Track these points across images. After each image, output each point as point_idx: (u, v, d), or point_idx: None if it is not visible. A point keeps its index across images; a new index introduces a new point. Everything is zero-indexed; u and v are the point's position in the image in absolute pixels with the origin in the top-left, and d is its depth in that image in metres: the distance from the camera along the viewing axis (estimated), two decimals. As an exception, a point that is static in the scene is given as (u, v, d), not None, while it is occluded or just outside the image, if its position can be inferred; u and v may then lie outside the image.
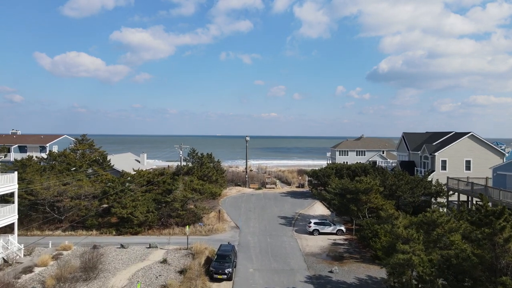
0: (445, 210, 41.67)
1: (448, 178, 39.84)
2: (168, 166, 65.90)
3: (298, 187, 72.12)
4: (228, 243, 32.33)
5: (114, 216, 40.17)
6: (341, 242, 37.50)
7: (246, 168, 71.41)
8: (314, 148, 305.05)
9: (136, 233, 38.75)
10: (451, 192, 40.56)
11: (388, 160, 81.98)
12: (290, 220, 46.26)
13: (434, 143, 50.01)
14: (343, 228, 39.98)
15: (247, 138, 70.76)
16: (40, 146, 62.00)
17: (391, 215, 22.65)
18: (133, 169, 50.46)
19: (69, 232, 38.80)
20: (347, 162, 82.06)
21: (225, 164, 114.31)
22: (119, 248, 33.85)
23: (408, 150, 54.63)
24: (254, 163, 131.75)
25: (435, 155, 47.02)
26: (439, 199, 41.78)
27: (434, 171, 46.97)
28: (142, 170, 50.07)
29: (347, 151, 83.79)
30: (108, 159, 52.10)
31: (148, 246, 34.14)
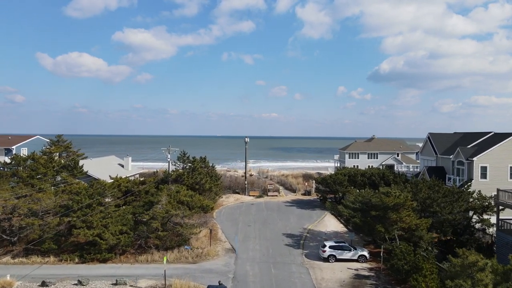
0: (493, 231, 33.52)
1: (498, 190, 31.66)
2: (157, 170, 57.81)
3: (304, 194, 64.00)
4: (220, 283, 24.18)
5: (79, 237, 32.11)
6: (366, 273, 29.30)
7: (245, 173, 63.30)
8: (317, 148, 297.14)
9: (104, 260, 30.61)
10: (501, 208, 32.32)
11: (404, 163, 73.74)
12: (297, 239, 38.11)
13: (469, 146, 41.84)
14: (366, 253, 31.80)
15: (246, 139, 62.63)
16: (6, 149, 53.78)
17: (472, 264, 14.56)
18: (110, 176, 42.34)
19: (20, 259, 30.67)
20: (357, 166, 74.07)
21: (223, 168, 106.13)
22: (75, 285, 25.70)
23: (436, 153, 46.41)
24: (254, 165, 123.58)
25: (473, 161, 38.86)
26: (484, 216, 33.65)
27: (472, 179, 38.79)
28: (120, 178, 41.96)
29: (358, 153, 75.59)
30: (81, 164, 43.92)
31: (115, 283, 25.97)
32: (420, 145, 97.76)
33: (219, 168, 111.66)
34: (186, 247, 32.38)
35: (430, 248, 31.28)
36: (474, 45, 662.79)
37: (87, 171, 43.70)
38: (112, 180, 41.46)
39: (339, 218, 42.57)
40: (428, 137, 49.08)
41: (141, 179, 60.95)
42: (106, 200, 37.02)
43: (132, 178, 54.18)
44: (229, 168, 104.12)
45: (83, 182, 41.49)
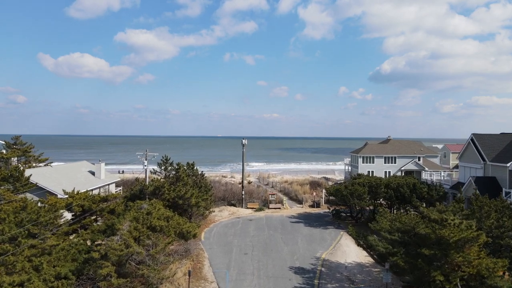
0: None
1: None
2: (137, 179, 48.15)
3: (312, 206, 54.22)
4: None
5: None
6: None
7: (242, 182, 53.53)
8: (319, 149, 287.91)
9: (30, 322, 20.81)
10: None
11: (426, 168, 63.76)
12: (310, 277, 28.27)
13: (533, 151, 32.04)
14: (413, 309, 22.00)
15: (244, 141, 52.82)
16: None
17: None
18: (63, 191, 32.57)
19: None
20: (373, 172, 64.33)
21: (219, 172, 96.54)
22: None
23: (484, 160, 36.58)
24: (254, 169, 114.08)
25: (543, 171, 29.05)
26: None
27: (543, 196, 28.97)
28: (77, 192, 32.16)
29: (373, 157, 65.67)
30: (29, 174, 34.15)
31: None
32: (439, 147, 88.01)
33: (217, 172, 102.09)
34: (152, 298, 22.59)
35: (508, 304, 21.52)
36: (476, 45, 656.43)
37: (36, 183, 33.94)
38: (67, 196, 31.74)
39: (365, 246, 32.44)
40: (472, 139, 39.14)
41: (117, 189, 51.32)
42: (59, 222, 27.36)
43: (103, 189, 44.56)
44: (225, 173, 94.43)
45: (33, 198, 31.84)
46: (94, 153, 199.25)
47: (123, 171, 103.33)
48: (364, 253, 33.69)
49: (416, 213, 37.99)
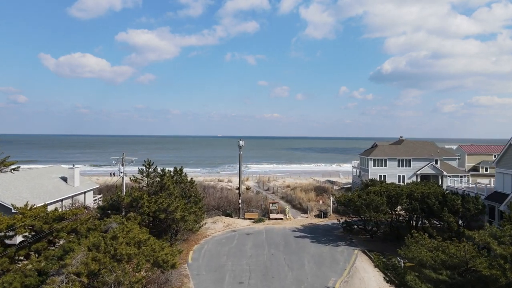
0: None
1: None
2: (117, 186, 41.71)
3: (319, 216, 47.84)
4: None
5: None
6: None
7: (239, 189, 47.07)
8: (321, 149, 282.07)
9: None
10: None
11: (445, 172, 57.17)
12: (323, 319, 21.90)
13: None
14: None
15: (241, 142, 46.29)
16: None
17: None
18: (12, 205, 26.14)
19: None
20: (385, 176, 57.96)
21: (215, 176, 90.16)
22: None
23: (532, 166, 30.09)
24: (253, 171, 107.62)
25: None
26: None
27: None
28: (31, 208, 25.74)
29: (385, 160, 59.14)
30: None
31: None
32: (454, 147, 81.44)
33: (214, 175, 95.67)
34: None
35: None
36: (477, 45, 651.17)
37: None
38: (17, 212, 25.32)
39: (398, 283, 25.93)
40: (513, 141, 32.63)
41: (97, 197, 44.97)
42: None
43: (75, 199, 38.23)
44: (224, 175, 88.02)
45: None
46: (93, 154, 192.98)
47: (114, 174, 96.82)
48: (387, 285, 27.31)
49: (448, 225, 31.64)
